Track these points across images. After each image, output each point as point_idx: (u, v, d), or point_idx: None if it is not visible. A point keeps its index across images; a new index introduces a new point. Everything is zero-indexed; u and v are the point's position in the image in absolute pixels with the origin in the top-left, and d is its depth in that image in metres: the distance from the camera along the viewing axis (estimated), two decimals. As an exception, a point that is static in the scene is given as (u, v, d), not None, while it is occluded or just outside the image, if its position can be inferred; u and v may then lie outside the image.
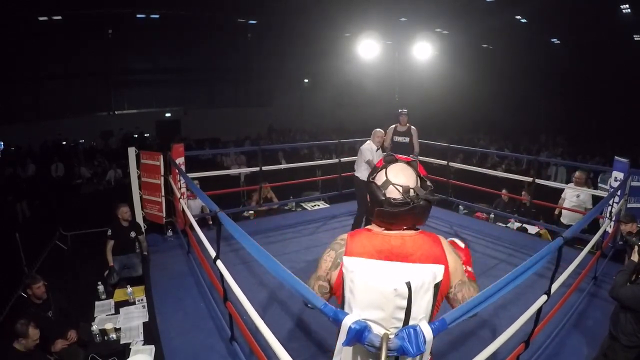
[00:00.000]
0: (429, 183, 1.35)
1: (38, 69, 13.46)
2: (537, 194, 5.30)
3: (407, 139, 5.49)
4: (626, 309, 2.50)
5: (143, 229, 4.64)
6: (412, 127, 5.55)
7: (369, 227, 1.40)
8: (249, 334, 2.45)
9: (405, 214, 1.29)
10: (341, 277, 1.31)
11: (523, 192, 5.82)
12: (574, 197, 5.14)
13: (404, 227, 1.33)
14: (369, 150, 4.83)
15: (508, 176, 6.39)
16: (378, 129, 4.99)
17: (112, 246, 4.23)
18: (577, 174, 5.26)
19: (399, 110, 5.59)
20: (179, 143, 5.21)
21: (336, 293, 1.37)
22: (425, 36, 8.31)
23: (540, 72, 16.57)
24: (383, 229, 1.34)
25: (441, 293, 1.29)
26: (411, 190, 1.29)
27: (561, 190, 5.40)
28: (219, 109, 17.05)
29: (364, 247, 1.30)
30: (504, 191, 6.13)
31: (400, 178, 1.31)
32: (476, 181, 6.10)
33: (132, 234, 4.37)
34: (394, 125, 5.62)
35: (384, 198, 1.29)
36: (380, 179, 1.33)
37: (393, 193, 1.29)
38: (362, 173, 4.80)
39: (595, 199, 5.03)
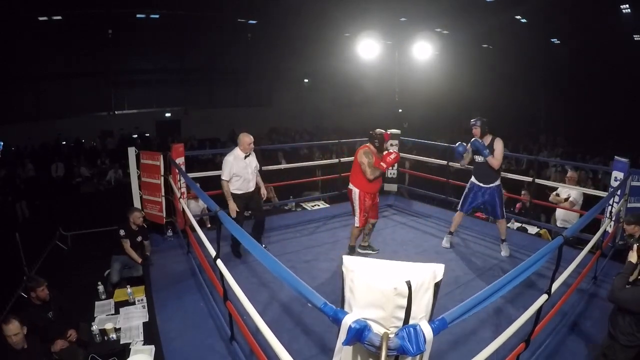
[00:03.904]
0: (378, 132, 4.18)
1: (38, 69, 13.44)
2: (538, 194, 5.30)
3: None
4: (624, 312, 2.48)
5: (149, 236, 4.63)
6: (496, 138, 4.16)
7: (367, 144, 4.19)
8: (249, 334, 2.44)
9: (370, 140, 4.19)
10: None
11: (523, 192, 5.80)
12: (564, 197, 5.12)
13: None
14: (235, 164, 4.10)
15: (508, 176, 6.36)
16: (246, 134, 4.18)
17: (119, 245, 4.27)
18: (569, 173, 5.25)
19: (471, 122, 4.23)
20: (179, 143, 5.20)
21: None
22: (425, 36, 8.29)
23: (540, 72, 16.57)
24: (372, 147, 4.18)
25: (358, 164, 4.11)
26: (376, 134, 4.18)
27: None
28: (219, 109, 17.04)
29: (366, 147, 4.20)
30: (504, 192, 6.10)
31: (377, 132, 4.20)
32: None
33: (139, 239, 4.38)
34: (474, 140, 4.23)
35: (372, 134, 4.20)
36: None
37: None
38: (233, 185, 4.15)
39: (587, 199, 5.03)
